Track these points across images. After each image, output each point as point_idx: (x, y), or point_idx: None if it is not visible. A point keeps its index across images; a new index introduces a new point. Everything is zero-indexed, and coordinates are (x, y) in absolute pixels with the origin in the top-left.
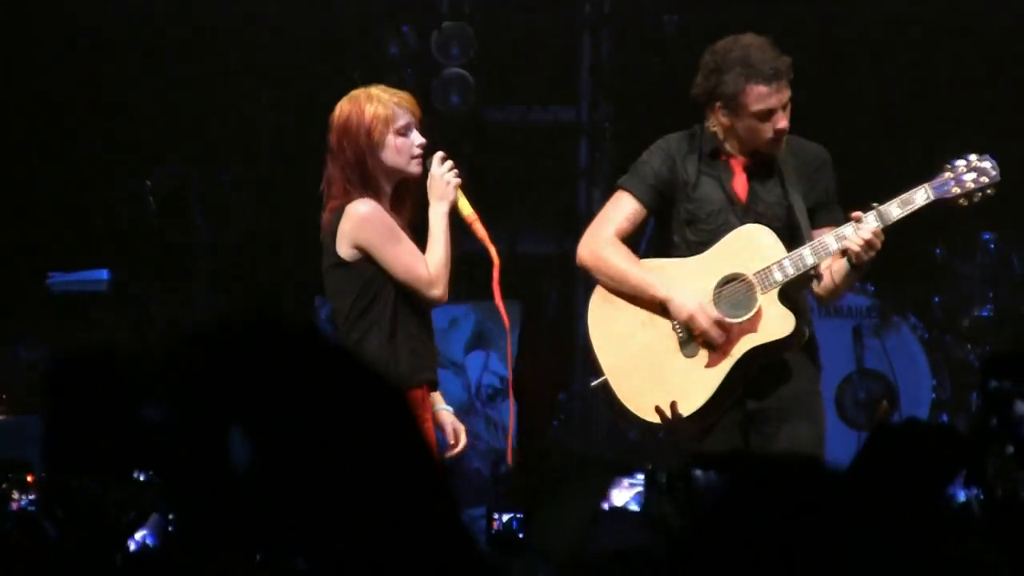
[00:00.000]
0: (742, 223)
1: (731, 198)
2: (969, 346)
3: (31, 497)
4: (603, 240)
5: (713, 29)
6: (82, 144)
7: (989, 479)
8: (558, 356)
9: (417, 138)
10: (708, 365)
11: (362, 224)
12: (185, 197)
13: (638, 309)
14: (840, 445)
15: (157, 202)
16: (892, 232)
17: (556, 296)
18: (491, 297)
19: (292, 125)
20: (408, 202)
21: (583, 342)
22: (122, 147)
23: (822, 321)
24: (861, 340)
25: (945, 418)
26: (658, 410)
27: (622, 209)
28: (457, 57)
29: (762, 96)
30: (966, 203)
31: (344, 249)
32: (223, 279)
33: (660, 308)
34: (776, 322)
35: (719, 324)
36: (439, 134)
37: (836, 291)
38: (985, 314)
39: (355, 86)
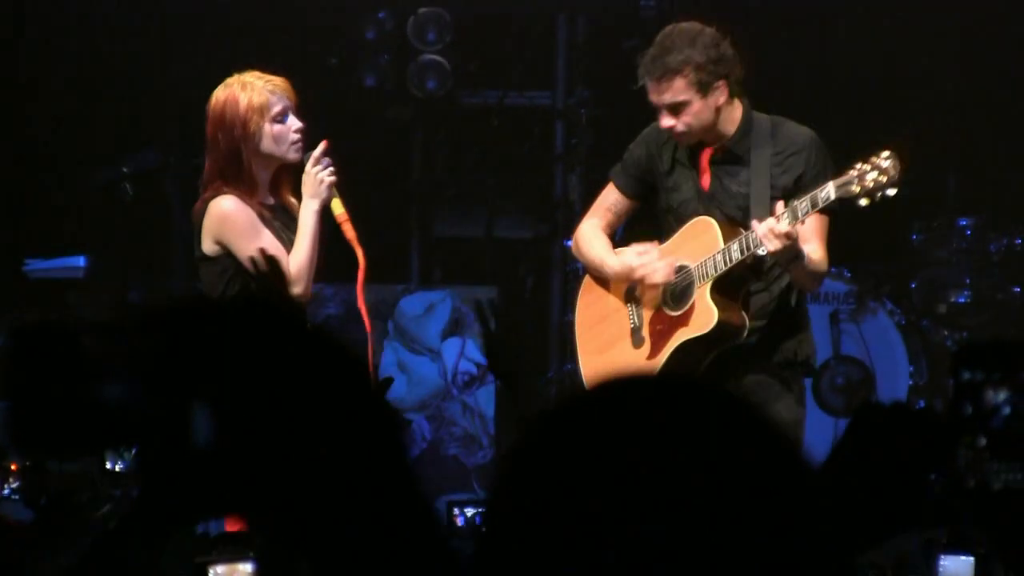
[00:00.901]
0: (707, 212)
1: (697, 188)
2: (946, 331)
3: (14, 485)
4: (584, 228)
5: (689, 13)
6: (58, 130)
7: (960, 469)
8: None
9: (295, 123)
10: (648, 356)
11: (222, 221)
12: (162, 183)
13: (610, 297)
14: (817, 431)
15: (133, 188)
16: (869, 218)
17: (532, 281)
18: (468, 283)
19: None
20: (286, 186)
21: (558, 327)
22: (98, 133)
23: None
24: (838, 326)
25: (923, 404)
26: None
27: (607, 199)
28: (434, 42)
29: (649, 90)
30: (868, 202)
31: (207, 244)
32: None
33: (624, 295)
34: (700, 318)
35: (670, 264)
36: (416, 119)
37: (799, 284)
38: (962, 300)
39: (332, 71)
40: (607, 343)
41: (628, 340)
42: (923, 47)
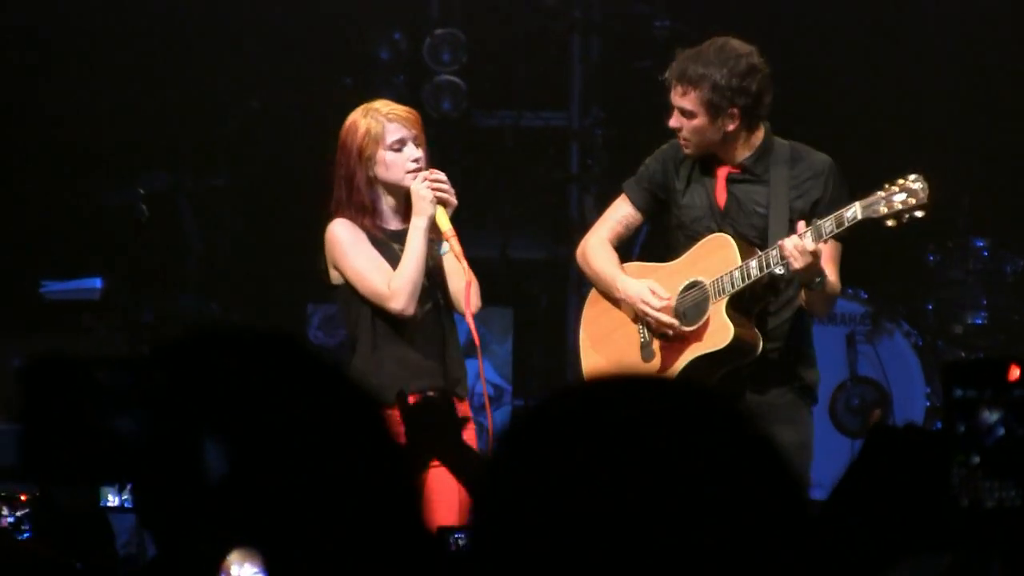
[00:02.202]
0: (720, 229)
1: (712, 205)
2: (963, 352)
3: (18, 514)
4: (593, 241)
5: (703, 33)
6: (74, 152)
7: (954, 489)
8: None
9: (412, 152)
10: (659, 370)
11: (329, 244)
12: (176, 204)
13: (617, 312)
14: (833, 452)
15: (149, 209)
16: (884, 239)
17: (547, 302)
18: (488, 304)
19: (284, 131)
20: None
21: (573, 348)
22: (113, 154)
23: (815, 328)
24: (854, 347)
25: (939, 425)
26: None
27: (617, 212)
28: (448, 63)
29: (669, 87)
30: (894, 224)
31: (331, 271)
32: (215, 286)
33: (632, 310)
34: (716, 333)
35: (668, 309)
36: (430, 140)
37: (812, 308)
38: (978, 321)
39: (346, 91)
40: (614, 357)
41: (637, 354)
42: (937, 67)
